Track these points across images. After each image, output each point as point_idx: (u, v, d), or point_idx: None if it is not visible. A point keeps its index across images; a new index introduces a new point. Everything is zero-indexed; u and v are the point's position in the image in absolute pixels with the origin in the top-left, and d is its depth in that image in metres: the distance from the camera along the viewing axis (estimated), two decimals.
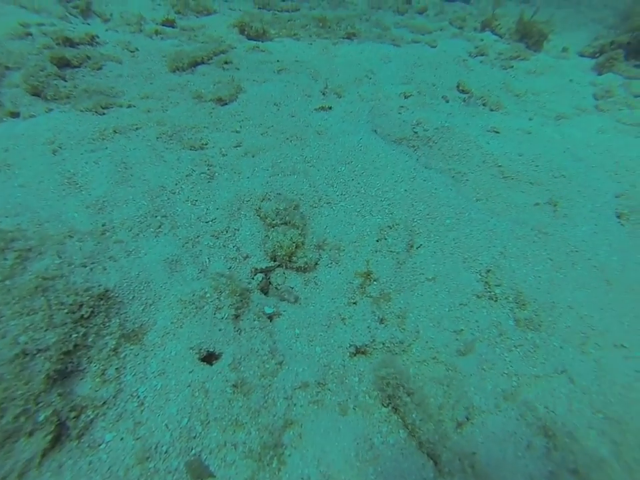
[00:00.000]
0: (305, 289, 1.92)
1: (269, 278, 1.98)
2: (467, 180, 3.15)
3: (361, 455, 1.30)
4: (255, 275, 1.95)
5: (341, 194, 2.29)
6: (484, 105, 4.44)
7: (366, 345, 1.69)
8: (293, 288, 1.93)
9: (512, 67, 5.46)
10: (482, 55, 5.79)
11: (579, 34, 7.33)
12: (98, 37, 3.84)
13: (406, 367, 1.64)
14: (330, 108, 3.44)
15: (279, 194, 2.23)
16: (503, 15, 8.02)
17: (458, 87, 4.64)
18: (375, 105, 3.28)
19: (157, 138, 2.58)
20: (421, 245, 2.06)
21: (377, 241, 2.04)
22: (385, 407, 1.46)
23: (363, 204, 2.22)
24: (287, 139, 2.79)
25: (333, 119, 3.13)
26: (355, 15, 6.67)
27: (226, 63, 3.93)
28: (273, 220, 2.02)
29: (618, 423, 1.52)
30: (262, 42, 4.99)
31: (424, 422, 1.37)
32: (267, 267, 1.98)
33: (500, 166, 3.16)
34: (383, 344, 1.70)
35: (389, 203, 2.19)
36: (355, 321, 1.75)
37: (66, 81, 3.01)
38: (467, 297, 1.92)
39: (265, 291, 1.94)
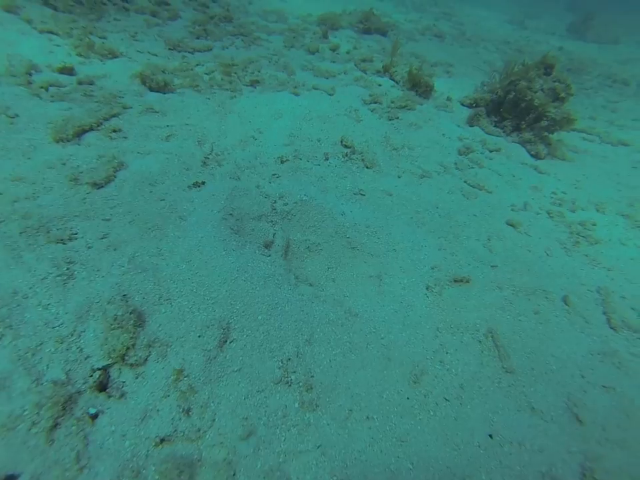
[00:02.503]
0: (133, 383, 2.32)
1: (108, 374, 2.37)
2: (321, 250, 3.69)
3: None
4: (93, 373, 2.34)
5: (180, 291, 2.71)
6: (362, 160, 5.01)
7: (169, 435, 2.14)
8: (124, 382, 2.34)
9: (398, 117, 6.08)
10: (375, 103, 6.35)
11: (470, 80, 8.13)
12: None
13: (199, 451, 2.12)
14: (203, 183, 3.82)
15: (125, 295, 2.60)
16: (410, 56, 8.70)
17: (341, 141, 5.16)
18: (236, 185, 3.69)
19: (21, 233, 2.83)
20: (234, 339, 2.54)
21: (199, 337, 2.49)
22: None
23: (194, 302, 2.65)
24: (149, 228, 3.15)
25: (198, 200, 3.52)
26: (265, 57, 7.01)
27: (114, 131, 4.16)
28: (111, 324, 2.40)
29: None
30: (164, 93, 5.22)
31: None
32: (104, 366, 2.36)
33: (348, 237, 3.73)
34: (184, 433, 2.16)
35: (213, 302, 2.64)
36: (164, 413, 2.20)
37: None
38: (266, 384, 2.43)
39: (102, 387, 2.33)
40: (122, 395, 2.27)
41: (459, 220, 4.30)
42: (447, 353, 2.94)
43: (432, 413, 2.53)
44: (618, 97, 9.11)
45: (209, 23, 7.79)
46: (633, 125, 7.77)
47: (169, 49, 6.46)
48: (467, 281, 3.56)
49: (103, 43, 5.96)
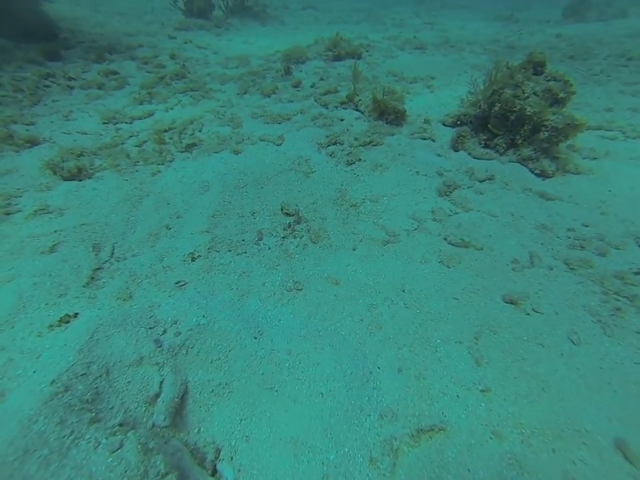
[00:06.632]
0: None
1: None
2: (231, 392, 2.51)
3: None
4: None
5: None
6: (308, 231, 3.81)
7: None
8: None
9: (360, 160, 4.84)
10: (334, 145, 5.16)
11: (454, 92, 6.78)
12: None
13: None
14: (75, 316, 2.78)
15: None
16: (387, 75, 7.49)
17: (282, 209, 4.00)
18: (107, 318, 2.61)
19: None
20: None
21: None
22: None
23: None
24: None
25: (48, 353, 2.46)
26: (211, 110, 6.07)
27: None
28: None
29: None
30: (80, 181, 4.34)
31: None
32: None
33: (262, 373, 2.52)
34: None
35: None
36: None
37: None
38: None
39: None
40: None
41: (432, 309, 2.95)
42: None
43: None
44: (637, 76, 7.32)
45: (158, 85, 7.01)
46: None
47: (104, 123, 5.65)
48: (441, 430, 2.22)
49: (28, 130, 5.24)
